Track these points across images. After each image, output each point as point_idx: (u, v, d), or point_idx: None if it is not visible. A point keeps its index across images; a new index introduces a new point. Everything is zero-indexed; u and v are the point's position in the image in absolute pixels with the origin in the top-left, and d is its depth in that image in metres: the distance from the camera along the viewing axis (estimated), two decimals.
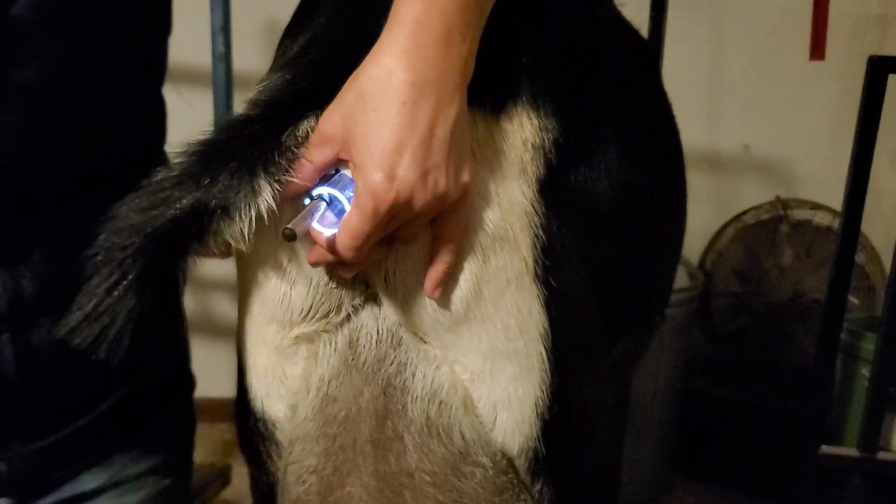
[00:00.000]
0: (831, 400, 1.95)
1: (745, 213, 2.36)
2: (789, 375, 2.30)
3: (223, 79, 1.55)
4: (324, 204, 0.56)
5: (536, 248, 0.61)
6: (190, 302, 0.81)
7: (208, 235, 0.56)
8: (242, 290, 0.70)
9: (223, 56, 1.58)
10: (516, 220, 0.61)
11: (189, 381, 0.91)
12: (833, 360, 1.68)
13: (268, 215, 0.56)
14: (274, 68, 0.65)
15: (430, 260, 0.59)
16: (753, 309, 2.38)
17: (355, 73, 0.55)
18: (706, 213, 2.39)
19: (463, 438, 0.63)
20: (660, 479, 2.37)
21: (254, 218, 0.56)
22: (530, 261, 0.61)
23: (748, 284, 2.38)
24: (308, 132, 0.57)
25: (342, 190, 0.57)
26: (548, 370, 0.64)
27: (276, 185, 0.56)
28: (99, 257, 0.56)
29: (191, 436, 0.93)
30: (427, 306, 0.61)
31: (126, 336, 0.56)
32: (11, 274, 0.69)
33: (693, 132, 2.44)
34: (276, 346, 0.68)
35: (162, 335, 0.62)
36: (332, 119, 0.56)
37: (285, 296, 0.65)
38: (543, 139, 0.61)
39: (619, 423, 1.87)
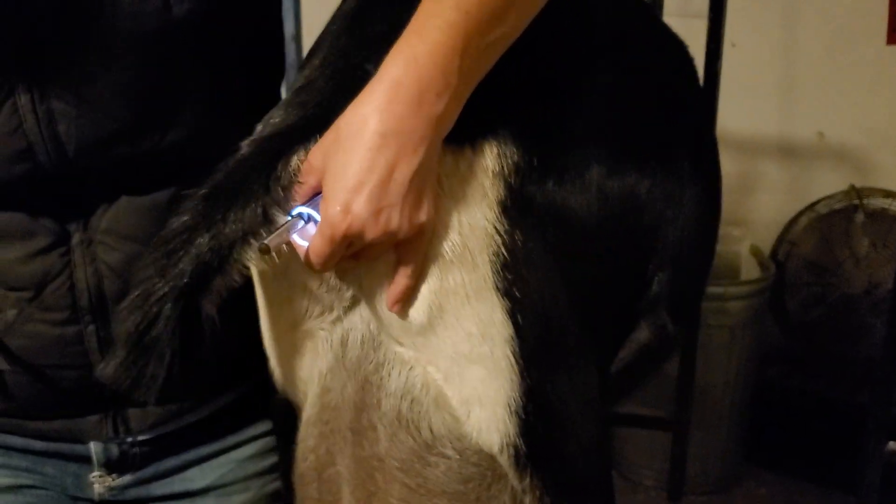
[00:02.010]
0: None
1: (818, 202, 2.31)
2: (863, 368, 2.24)
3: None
4: (301, 222, 0.65)
5: (496, 264, 0.67)
6: None
7: (229, 265, 0.65)
8: (258, 294, 0.80)
9: (295, 63, 1.69)
10: (476, 242, 0.67)
11: None
12: None
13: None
14: (279, 104, 0.74)
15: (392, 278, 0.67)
16: (828, 300, 2.33)
17: (339, 118, 0.64)
18: (778, 202, 2.34)
19: (431, 432, 0.71)
20: (731, 468, 2.36)
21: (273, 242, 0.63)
22: (490, 276, 0.67)
23: (822, 275, 2.33)
24: (298, 164, 0.66)
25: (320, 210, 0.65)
26: (517, 372, 0.69)
27: (280, 211, 0.65)
28: (128, 306, 0.64)
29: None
30: (395, 314, 0.69)
31: (161, 374, 0.64)
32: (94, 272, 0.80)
33: (765, 120, 2.41)
34: (287, 340, 0.78)
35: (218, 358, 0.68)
36: (316, 153, 0.65)
37: (287, 298, 0.75)
38: (503, 165, 0.67)
39: (683, 417, 1.87)
